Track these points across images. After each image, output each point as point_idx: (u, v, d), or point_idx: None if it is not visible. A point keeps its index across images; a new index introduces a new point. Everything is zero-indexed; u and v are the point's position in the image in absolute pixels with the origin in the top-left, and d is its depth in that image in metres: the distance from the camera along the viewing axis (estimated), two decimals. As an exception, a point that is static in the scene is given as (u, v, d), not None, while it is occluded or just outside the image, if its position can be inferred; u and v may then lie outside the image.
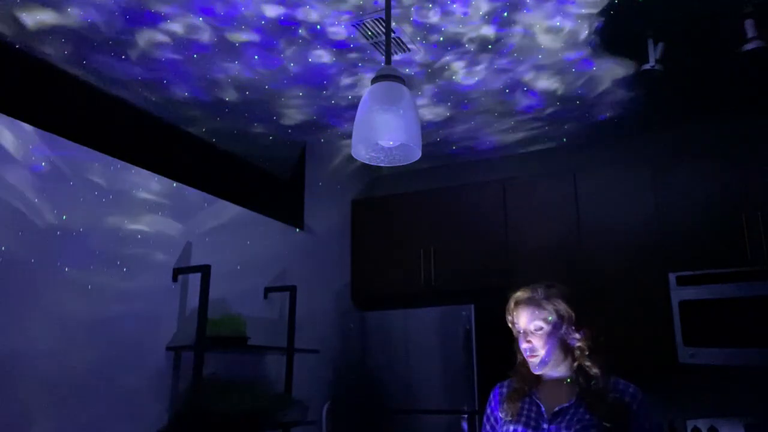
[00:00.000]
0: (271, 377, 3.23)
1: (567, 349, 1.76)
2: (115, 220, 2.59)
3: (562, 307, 1.76)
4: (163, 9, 2.45)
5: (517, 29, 2.65)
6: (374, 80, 1.51)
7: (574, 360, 1.75)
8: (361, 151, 1.55)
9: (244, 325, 2.88)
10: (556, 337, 1.75)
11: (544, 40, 2.73)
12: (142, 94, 3.11)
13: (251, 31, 2.62)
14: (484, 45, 2.77)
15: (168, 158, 3.15)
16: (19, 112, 2.30)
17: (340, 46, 2.75)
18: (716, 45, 2.76)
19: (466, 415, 3.23)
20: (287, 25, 2.58)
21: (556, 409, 1.70)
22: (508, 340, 1.87)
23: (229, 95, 3.16)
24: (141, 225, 2.69)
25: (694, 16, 2.56)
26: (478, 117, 3.55)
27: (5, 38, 2.59)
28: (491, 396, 1.89)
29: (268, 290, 3.31)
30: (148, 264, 2.69)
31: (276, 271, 3.41)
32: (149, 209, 2.75)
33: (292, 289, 3.31)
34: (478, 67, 2.96)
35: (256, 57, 2.81)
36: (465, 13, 2.53)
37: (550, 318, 1.75)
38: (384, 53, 1.87)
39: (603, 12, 2.53)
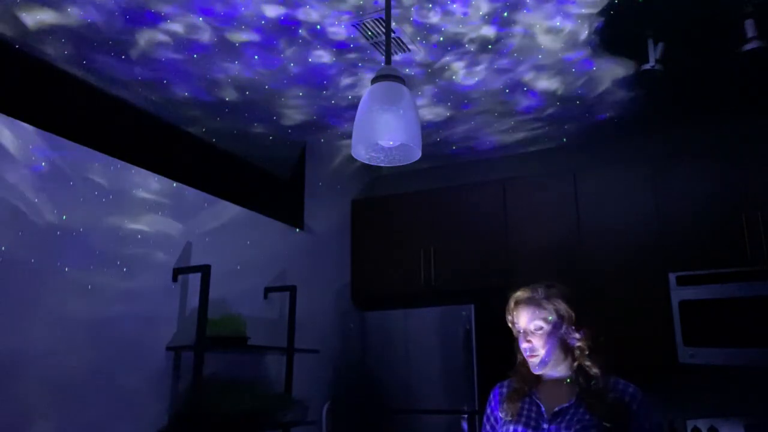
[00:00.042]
0: (271, 377, 3.23)
1: (567, 349, 1.76)
2: (115, 220, 2.59)
3: (562, 306, 1.76)
4: (164, 9, 2.45)
5: (517, 29, 2.65)
6: (374, 80, 1.51)
7: (574, 360, 1.75)
8: (361, 151, 1.55)
9: (244, 325, 2.88)
10: (556, 336, 1.75)
11: (544, 40, 2.73)
12: (142, 94, 3.11)
13: (251, 31, 2.62)
14: (484, 45, 2.77)
15: (168, 158, 3.15)
16: (19, 112, 2.30)
17: (340, 46, 2.75)
18: (716, 45, 2.76)
19: (466, 415, 3.23)
20: (287, 25, 2.58)
21: (556, 409, 1.70)
22: (508, 340, 1.88)
23: (229, 95, 3.17)
24: (141, 225, 2.69)
25: (694, 16, 2.56)
26: (478, 117, 3.55)
27: (5, 38, 2.59)
28: (491, 396, 1.89)
29: (268, 290, 3.31)
30: (148, 264, 2.69)
31: (276, 271, 3.41)
32: (149, 209, 2.75)
33: (292, 289, 3.31)
34: (478, 68, 2.96)
35: (256, 57, 2.81)
36: (465, 14, 2.53)
37: (550, 318, 1.75)
38: (384, 53, 1.87)
39: (603, 12, 2.53)
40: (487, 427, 1.86)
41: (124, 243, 2.60)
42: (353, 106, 3.28)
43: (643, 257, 3.26)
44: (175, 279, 2.79)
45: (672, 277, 3.14)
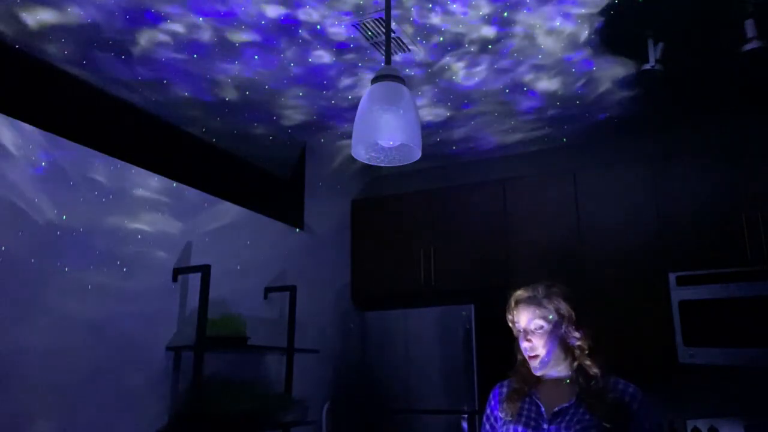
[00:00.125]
0: (271, 377, 3.23)
1: (567, 349, 1.76)
2: (116, 220, 2.59)
3: (563, 306, 1.76)
4: (164, 9, 2.45)
5: (518, 29, 2.65)
6: (374, 80, 1.51)
7: (574, 359, 1.75)
8: (361, 151, 1.55)
9: (244, 325, 2.88)
10: (557, 336, 1.75)
11: (544, 40, 2.73)
12: (143, 94, 3.11)
13: (251, 31, 2.62)
14: (484, 45, 2.77)
15: (168, 158, 3.15)
16: (19, 112, 2.30)
17: (340, 47, 2.75)
18: (716, 45, 2.77)
19: (466, 415, 3.23)
20: (287, 25, 2.58)
21: (556, 409, 1.70)
22: (508, 340, 1.88)
23: (229, 95, 3.17)
24: (141, 225, 2.69)
25: (694, 16, 2.57)
26: (478, 117, 3.55)
27: (6, 38, 2.59)
28: (491, 396, 1.89)
29: (268, 290, 3.31)
30: (148, 264, 2.69)
31: (276, 271, 3.41)
32: (149, 209, 2.75)
33: (292, 289, 3.32)
34: (479, 68, 2.96)
35: (256, 57, 2.81)
36: (465, 14, 2.53)
37: (550, 317, 1.75)
38: (384, 53, 1.87)
39: (603, 12, 2.53)
40: (487, 427, 1.86)
41: (124, 243, 2.61)
42: (353, 106, 3.28)
43: (643, 257, 3.26)
44: (175, 279, 2.79)
45: (672, 277, 3.14)
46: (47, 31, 2.56)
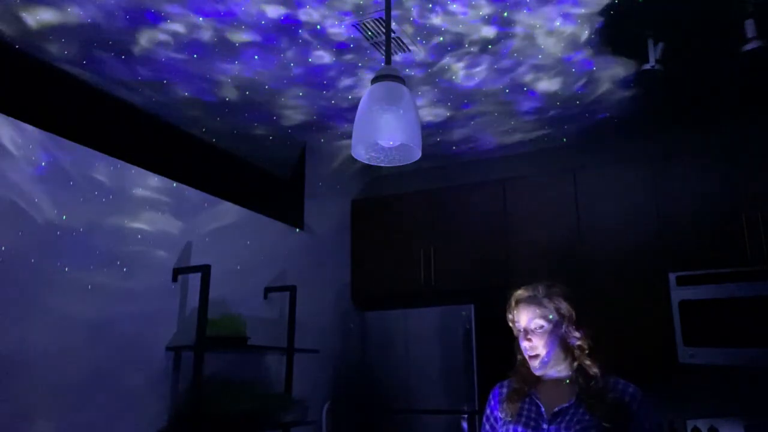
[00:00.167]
0: (271, 377, 3.23)
1: (567, 349, 1.76)
2: (116, 219, 2.59)
3: (563, 305, 1.77)
4: (164, 9, 2.45)
5: (518, 30, 2.65)
6: (374, 80, 1.51)
7: (573, 359, 1.75)
8: (361, 151, 1.55)
9: (244, 325, 2.88)
10: (557, 335, 1.75)
11: (545, 40, 2.73)
12: (143, 94, 3.11)
13: (251, 31, 2.62)
14: (484, 45, 2.77)
15: (168, 158, 3.15)
16: (19, 112, 2.30)
17: (340, 47, 2.75)
18: (716, 45, 2.77)
19: (466, 415, 3.23)
20: (287, 25, 2.58)
21: (556, 409, 1.70)
22: (508, 340, 1.88)
23: (230, 95, 3.17)
24: (141, 225, 2.69)
25: (694, 16, 2.57)
26: (478, 117, 3.55)
27: (6, 38, 2.59)
28: (491, 396, 1.89)
29: (268, 290, 3.31)
30: (148, 264, 2.69)
31: (276, 271, 3.41)
32: (149, 209, 2.75)
33: (292, 289, 3.32)
34: (479, 68, 2.96)
35: (256, 57, 2.81)
36: (465, 14, 2.53)
37: (551, 316, 1.75)
38: (384, 53, 1.87)
39: (603, 12, 2.53)
40: (487, 427, 1.86)
41: (125, 243, 2.61)
42: (353, 106, 3.28)
43: (643, 257, 3.26)
44: (175, 279, 2.79)
45: (672, 277, 3.14)
46: (47, 31, 2.56)
